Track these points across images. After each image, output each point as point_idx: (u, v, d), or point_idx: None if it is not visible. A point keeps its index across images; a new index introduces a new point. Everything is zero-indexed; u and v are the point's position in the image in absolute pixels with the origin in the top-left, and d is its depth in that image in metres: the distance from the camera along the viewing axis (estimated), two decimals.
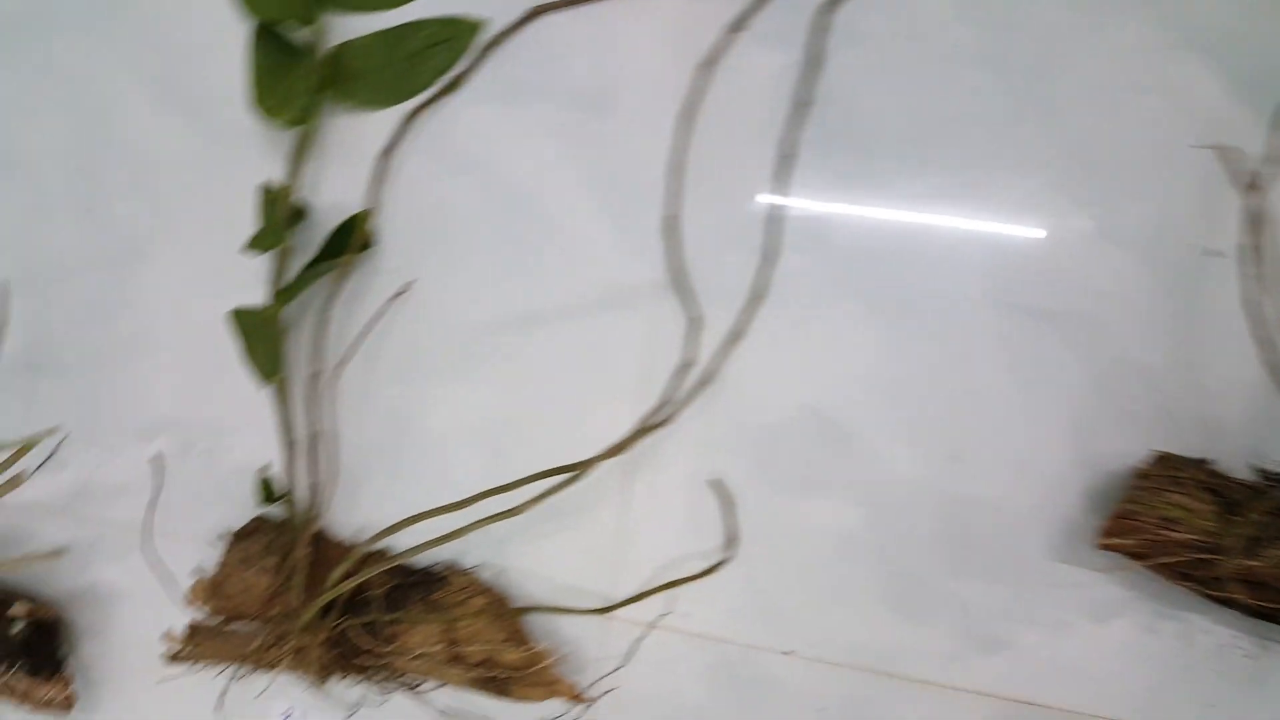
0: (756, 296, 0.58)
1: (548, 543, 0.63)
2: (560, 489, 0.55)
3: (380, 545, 0.61)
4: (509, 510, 0.54)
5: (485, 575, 0.63)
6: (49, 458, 0.60)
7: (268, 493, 0.58)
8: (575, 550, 0.63)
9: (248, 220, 0.63)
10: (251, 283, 0.63)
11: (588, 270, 0.61)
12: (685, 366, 0.58)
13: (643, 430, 0.57)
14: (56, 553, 0.51)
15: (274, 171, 0.62)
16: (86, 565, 0.65)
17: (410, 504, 0.63)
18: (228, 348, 0.64)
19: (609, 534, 0.62)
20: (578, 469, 0.56)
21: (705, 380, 0.59)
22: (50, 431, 0.54)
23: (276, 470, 0.62)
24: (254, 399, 0.64)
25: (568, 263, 0.62)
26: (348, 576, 0.57)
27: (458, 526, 0.55)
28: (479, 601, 0.61)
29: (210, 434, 0.65)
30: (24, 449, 0.52)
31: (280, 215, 0.59)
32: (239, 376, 0.64)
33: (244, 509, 0.63)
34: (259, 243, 0.59)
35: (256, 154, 0.63)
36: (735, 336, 0.58)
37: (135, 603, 0.66)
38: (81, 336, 0.66)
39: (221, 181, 0.65)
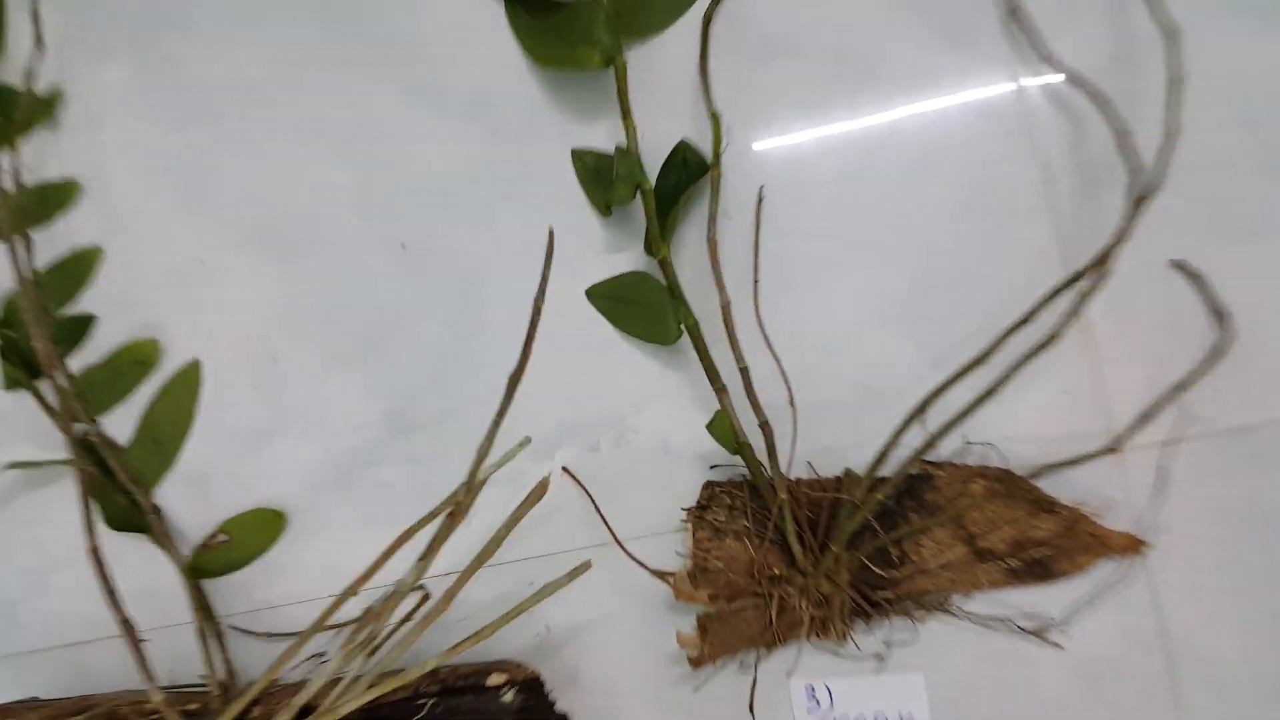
0: None
1: (1019, 402, 0.55)
2: (1032, 352, 0.48)
3: (851, 466, 0.54)
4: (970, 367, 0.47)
5: (968, 460, 0.56)
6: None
7: (731, 438, 0.52)
8: (1051, 398, 0.56)
9: (561, 205, 0.59)
10: (581, 269, 0.59)
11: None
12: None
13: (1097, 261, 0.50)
14: (583, 567, 0.46)
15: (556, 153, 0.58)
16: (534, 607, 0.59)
17: (861, 417, 0.57)
18: (586, 335, 0.59)
19: (1080, 366, 0.55)
20: (1033, 313, 0.49)
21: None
22: (524, 441, 0.48)
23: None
24: (636, 374, 0.59)
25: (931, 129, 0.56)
26: (864, 500, 0.51)
27: (938, 424, 0.49)
28: (979, 486, 0.54)
29: (607, 425, 0.59)
30: (519, 447, 0.47)
31: (634, 158, 0.54)
32: (612, 356, 0.59)
33: (680, 486, 0.57)
34: (617, 196, 0.54)
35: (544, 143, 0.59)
36: None
37: (604, 630, 0.59)
38: (440, 374, 0.61)
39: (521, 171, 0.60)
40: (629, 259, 0.59)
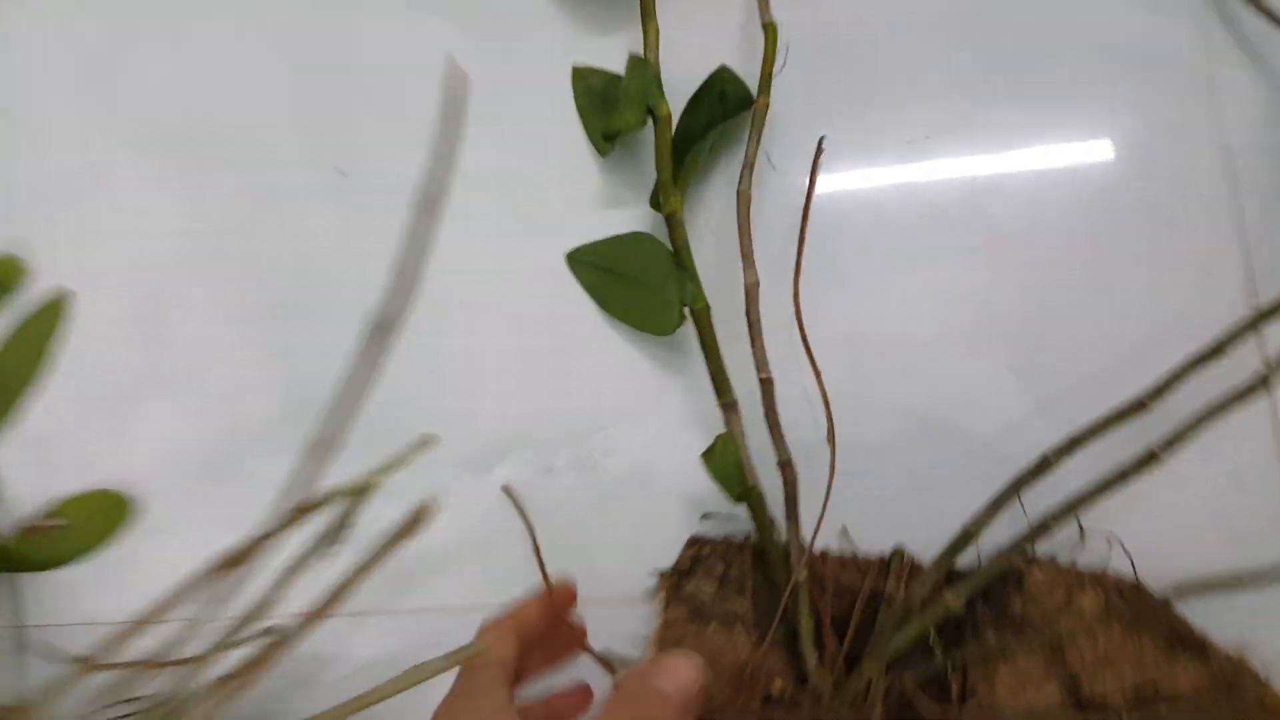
0: None
1: (1167, 485, 0.38)
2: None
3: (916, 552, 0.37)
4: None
5: (1076, 559, 0.39)
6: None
7: (736, 478, 0.36)
8: (1216, 480, 0.38)
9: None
10: (567, 225, 0.43)
11: None
12: None
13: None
14: (468, 649, 0.30)
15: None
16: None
17: (929, 470, 0.40)
18: (560, 314, 0.44)
19: (1261, 439, 0.38)
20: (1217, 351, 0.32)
21: None
22: (427, 440, 0.33)
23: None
24: (620, 373, 0.43)
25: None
26: (925, 601, 0.34)
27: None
28: (1091, 601, 0.37)
29: (570, 440, 0.43)
30: (414, 449, 0.32)
31: (651, 70, 0.38)
32: (590, 346, 0.43)
33: (660, 535, 0.41)
34: (623, 121, 0.38)
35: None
36: None
37: None
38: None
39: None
40: (631, 218, 0.43)
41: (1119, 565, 0.38)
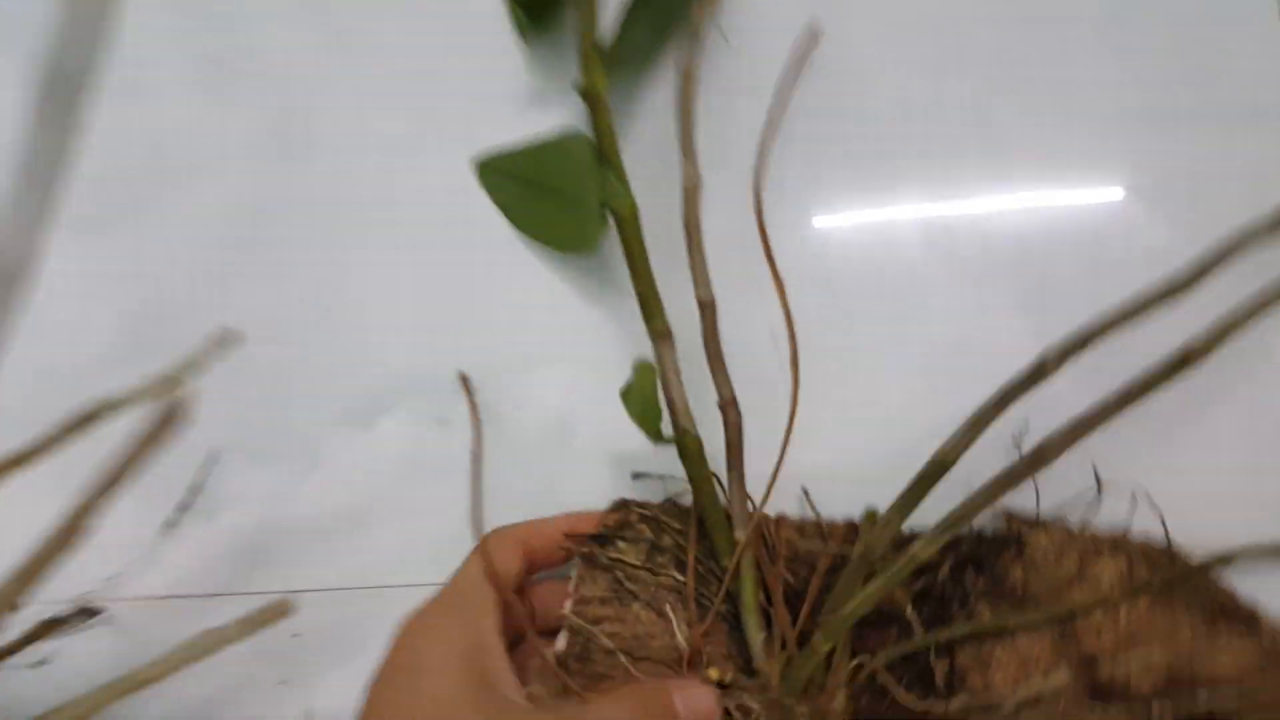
0: None
1: (1199, 426, 0.31)
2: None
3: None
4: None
5: (1091, 521, 0.32)
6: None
7: (654, 417, 0.28)
8: (1257, 436, 0.31)
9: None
10: (481, 128, 0.36)
11: None
12: None
13: None
14: (278, 608, 0.23)
15: None
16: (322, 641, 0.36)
17: (909, 417, 0.33)
18: (465, 235, 0.36)
19: None
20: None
21: None
22: (228, 336, 0.25)
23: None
24: (538, 306, 0.36)
25: None
26: (895, 565, 0.26)
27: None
28: (1111, 568, 0.30)
29: (476, 386, 0.35)
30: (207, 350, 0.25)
31: None
32: (502, 274, 0.36)
33: (588, 495, 0.33)
34: None
35: None
36: None
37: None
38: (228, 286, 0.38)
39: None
40: (562, 116, 0.36)
41: (1145, 529, 0.31)
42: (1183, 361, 0.22)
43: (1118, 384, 0.23)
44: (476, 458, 0.33)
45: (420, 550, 0.35)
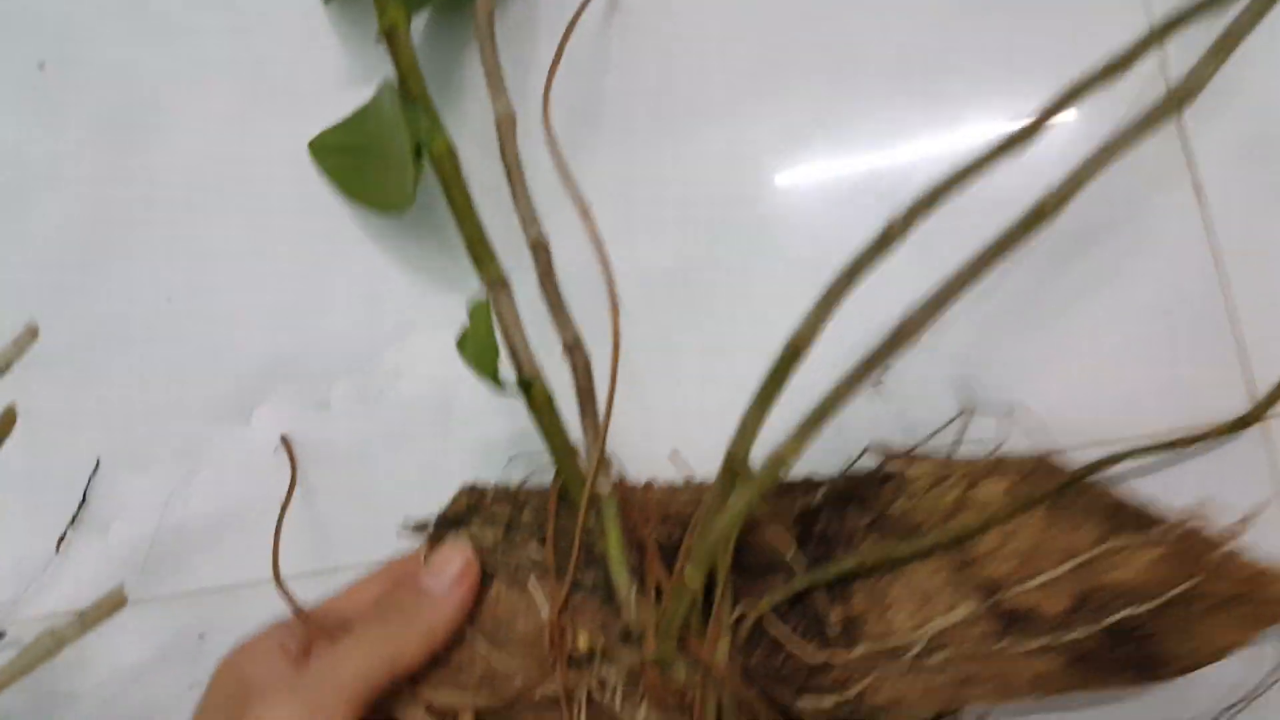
0: None
1: (1074, 321, 0.30)
2: None
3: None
4: None
5: (960, 447, 0.30)
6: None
7: (491, 359, 0.25)
8: (1138, 349, 0.30)
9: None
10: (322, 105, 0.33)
11: None
12: None
13: None
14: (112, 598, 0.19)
15: None
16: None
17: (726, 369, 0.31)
18: (323, 214, 0.33)
19: (1193, 262, 0.30)
20: None
21: None
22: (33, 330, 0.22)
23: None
24: (403, 278, 0.33)
25: None
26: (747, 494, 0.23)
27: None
28: (992, 488, 0.27)
29: (349, 366, 0.33)
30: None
31: None
32: (360, 249, 0.34)
33: (474, 469, 0.30)
34: None
35: None
36: None
37: None
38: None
39: None
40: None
41: (1028, 447, 0.30)
42: (1037, 216, 0.21)
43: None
44: (284, 506, 0.31)
45: (318, 535, 0.32)
